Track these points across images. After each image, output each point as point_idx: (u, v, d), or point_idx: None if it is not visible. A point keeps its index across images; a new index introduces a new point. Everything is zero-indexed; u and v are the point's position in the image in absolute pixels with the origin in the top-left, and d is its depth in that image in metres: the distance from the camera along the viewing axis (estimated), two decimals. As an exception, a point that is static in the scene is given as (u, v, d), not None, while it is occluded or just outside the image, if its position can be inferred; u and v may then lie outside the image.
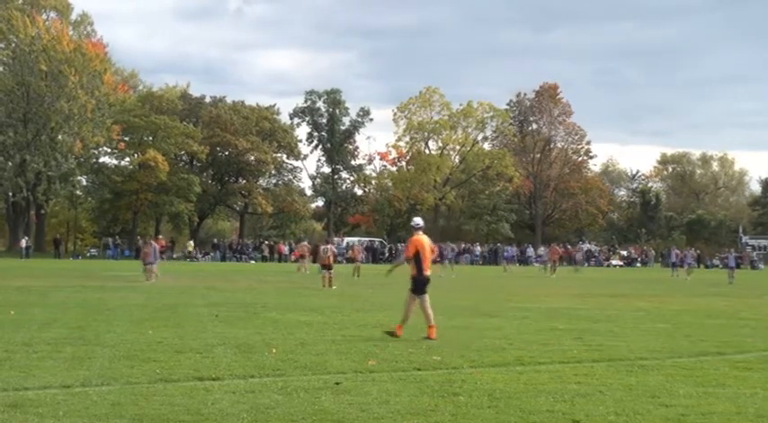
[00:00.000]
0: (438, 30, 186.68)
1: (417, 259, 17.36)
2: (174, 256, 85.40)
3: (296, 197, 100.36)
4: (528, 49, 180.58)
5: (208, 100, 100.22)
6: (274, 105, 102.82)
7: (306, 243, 63.32)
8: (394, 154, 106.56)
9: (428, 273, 17.47)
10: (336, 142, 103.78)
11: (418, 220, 18.21)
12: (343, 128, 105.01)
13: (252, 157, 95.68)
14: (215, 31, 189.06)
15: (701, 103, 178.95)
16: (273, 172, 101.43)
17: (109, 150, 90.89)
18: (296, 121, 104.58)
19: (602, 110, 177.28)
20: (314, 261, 51.72)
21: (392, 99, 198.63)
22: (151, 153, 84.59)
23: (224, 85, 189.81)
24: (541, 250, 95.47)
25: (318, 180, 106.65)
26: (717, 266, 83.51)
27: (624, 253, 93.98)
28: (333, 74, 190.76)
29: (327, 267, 35.85)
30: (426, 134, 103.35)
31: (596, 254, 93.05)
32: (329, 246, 38.52)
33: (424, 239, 17.58)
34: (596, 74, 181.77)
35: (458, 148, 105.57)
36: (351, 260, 48.23)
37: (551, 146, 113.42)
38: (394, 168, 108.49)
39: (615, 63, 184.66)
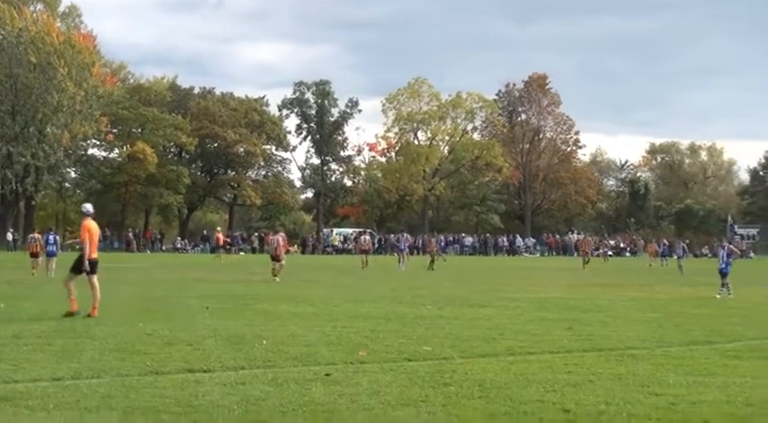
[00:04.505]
0: (422, 21, 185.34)
1: (89, 243, 18.82)
2: (164, 248, 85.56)
3: (285, 189, 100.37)
4: (513, 40, 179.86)
5: (196, 91, 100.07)
6: (263, 97, 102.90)
7: (220, 232, 63.63)
8: (383, 145, 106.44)
9: (95, 255, 19.03)
10: (325, 133, 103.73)
11: (88, 207, 19.96)
12: (331, 119, 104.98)
13: (241, 149, 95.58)
14: (198, 24, 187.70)
15: (687, 94, 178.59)
16: (262, 164, 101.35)
17: (97, 142, 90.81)
18: (285, 112, 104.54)
19: (588, 100, 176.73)
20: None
21: (378, 91, 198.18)
22: (140, 145, 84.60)
23: (209, 78, 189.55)
24: (530, 241, 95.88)
25: (308, 171, 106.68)
26: (706, 255, 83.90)
27: (612, 243, 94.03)
28: (317, 66, 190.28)
29: (275, 259, 35.08)
30: (415, 125, 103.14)
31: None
32: (278, 236, 37.73)
33: (93, 225, 19.12)
34: (582, 65, 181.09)
35: (447, 138, 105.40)
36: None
37: (540, 136, 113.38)
38: (383, 159, 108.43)
39: (601, 54, 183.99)
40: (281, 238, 37.04)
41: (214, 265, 48.57)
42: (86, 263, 18.67)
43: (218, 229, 68.66)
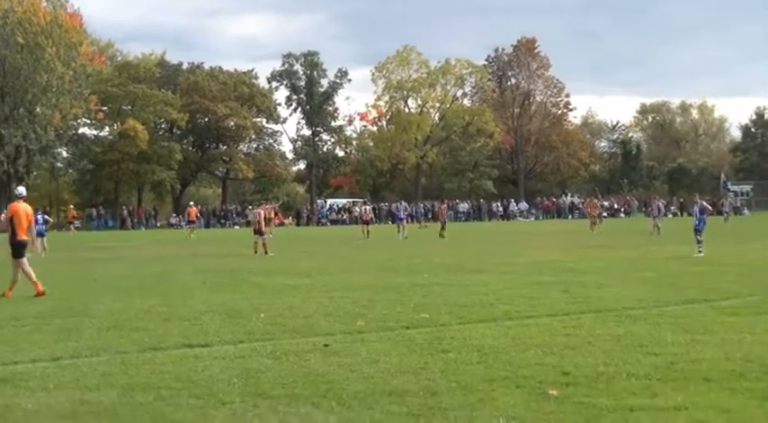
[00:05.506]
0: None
1: (12, 225, 18.91)
2: (158, 224, 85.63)
3: (277, 161, 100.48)
4: (496, 5, 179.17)
5: (185, 67, 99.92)
6: (252, 70, 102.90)
7: (193, 205, 63.31)
8: (374, 114, 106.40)
9: (22, 237, 18.93)
10: (315, 104, 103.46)
11: (21, 190, 20.43)
12: (321, 90, 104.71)
13: (231, 123, 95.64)
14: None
15: (674, 52, 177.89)
16: (254, 137, 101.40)
17: (88, 121, 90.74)
18: (274, 84, 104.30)
19: (576, 62, 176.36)
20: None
21: (366, 60, 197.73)
22: (130, 122, 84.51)
23: (197, 52, 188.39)
24: (524, 205, 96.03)
25: (299, 143, 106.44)
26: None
27: (606, 204, 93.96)
28: (304, 37, 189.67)
29: (258, 232, 34.82)
30: (405, 93, 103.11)
31: (579, 206, 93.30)
32: (258, 209, 37.31)
33: (20, 207, 19.20)
34: (567, 26, 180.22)
35: (437, 105, 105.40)
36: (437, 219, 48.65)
37: (531, 100, 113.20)
38: (374, 128, 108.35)
39: (584, 15, 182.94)
40: (262, 211, 36.81)
41: (190, 241, 48.69)
42: (10, 246, 18.86)
43: (191, 203, 67.70)
